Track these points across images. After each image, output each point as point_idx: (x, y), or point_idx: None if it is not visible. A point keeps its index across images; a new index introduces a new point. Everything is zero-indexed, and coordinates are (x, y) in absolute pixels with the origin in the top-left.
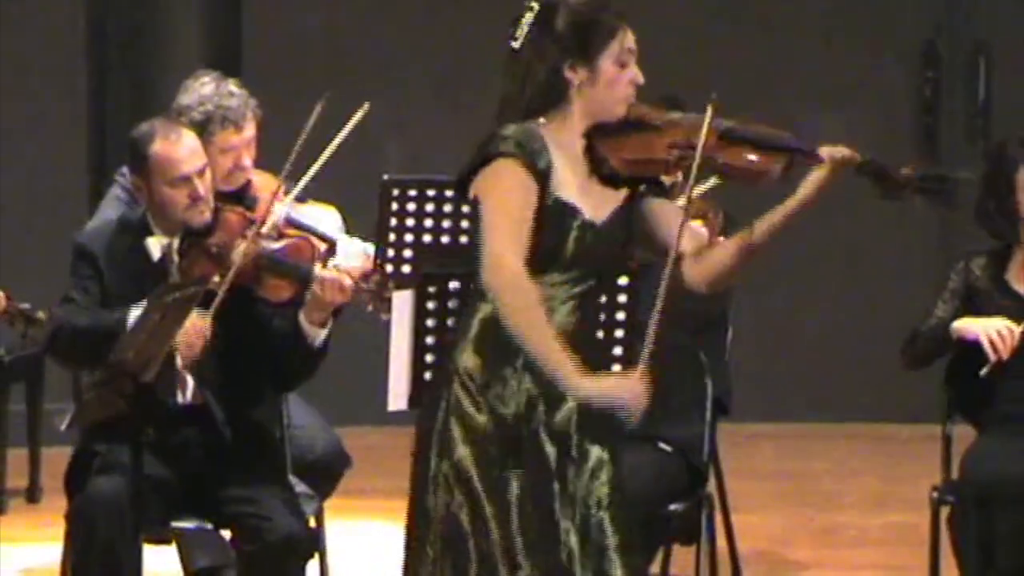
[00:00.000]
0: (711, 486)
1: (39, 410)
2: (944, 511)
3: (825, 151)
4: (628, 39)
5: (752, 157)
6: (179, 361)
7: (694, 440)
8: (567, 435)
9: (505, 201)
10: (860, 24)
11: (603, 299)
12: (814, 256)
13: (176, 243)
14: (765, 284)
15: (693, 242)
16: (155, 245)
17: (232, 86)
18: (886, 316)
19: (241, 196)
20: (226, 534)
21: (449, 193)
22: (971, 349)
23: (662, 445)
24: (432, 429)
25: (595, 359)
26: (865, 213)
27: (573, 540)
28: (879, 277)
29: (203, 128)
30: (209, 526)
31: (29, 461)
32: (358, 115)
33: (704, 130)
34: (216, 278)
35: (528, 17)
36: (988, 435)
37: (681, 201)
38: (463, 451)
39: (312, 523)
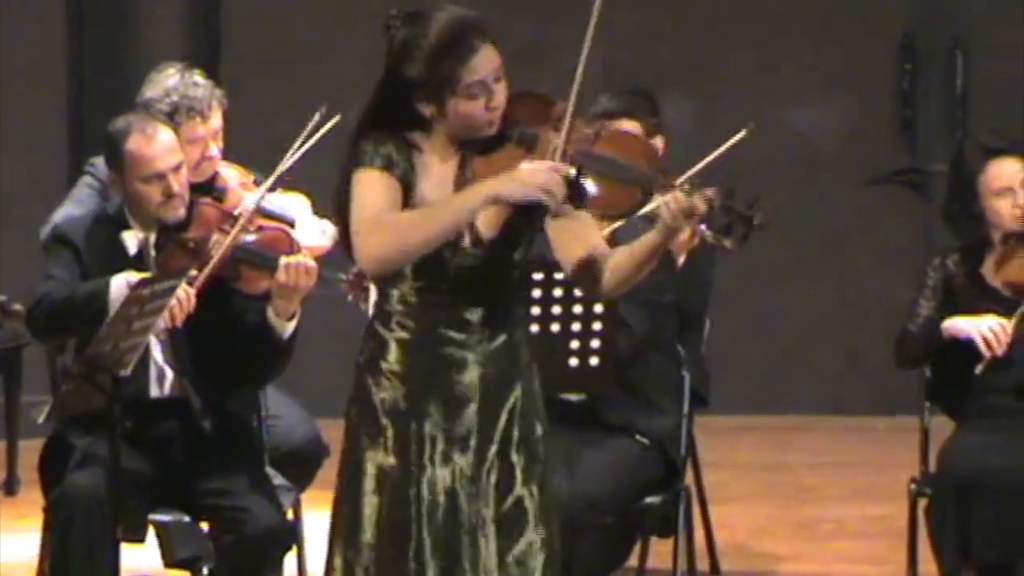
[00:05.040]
0: (689, 478)
1: (17, 402)
2: (922, 503)
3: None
4: (481, 69)
5: (603, 192)
6: (156, 352)
7: (671, 432)
8: (474, 441)
9: (367, 192)
10: (839, 17)
11: (558, 293)
12: (795, 249)
13: (152, 237)
14: (744, 276)
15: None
16: (131, 239)
17: (197, 76)
18: (866, 309)
19: (209, 187)
20: (204, 526)
21: None
22: (959, 350)
23: (639, 438)
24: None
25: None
26: (846, 206)
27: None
28: (859, 270)
29: (169, 119)
30: (187, 518)
31: (7, 453)
32: (330, 123)
33: (563, 140)
34: (193, 272)
35: (392, 38)
36: (966, 427)
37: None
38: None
39: (290, 515)
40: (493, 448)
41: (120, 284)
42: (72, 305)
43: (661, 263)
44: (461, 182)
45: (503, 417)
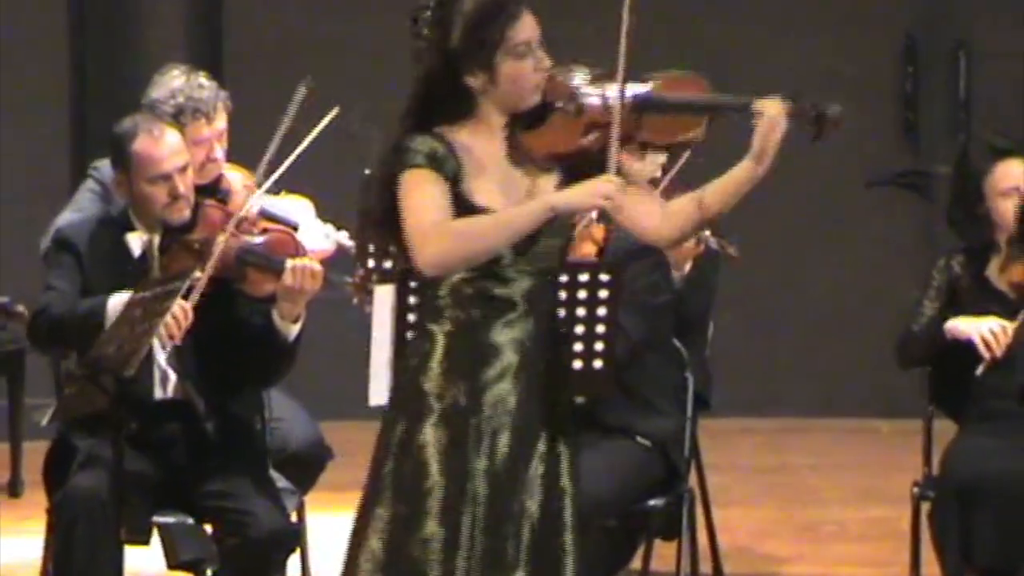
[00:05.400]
0: (692, 481)
1: (20, 405)
2: (925, 506)
3: (757, 105)
4: (524, 31)
5: (671, 126)
6: (159, 354)
7: (671, 434)
8: (523, 435)
9: (420, 196)
10: (841, 19)
11: (562, 295)
12: (797, 250)
13: (157, 239)
14: (746, 278)
15: (646, 205)
16: (136, 241)
17: (202, 78)
18: (869, 311)
19: (213, 189)
20: (208, 528)
21: None
22: (960, 352)
23: (639, 439)
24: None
25: (553, 357)
26: (849, 208)
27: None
28: (862, 272)
29: (174, 121)
30: (190, 520)
31: (11, 455)
32: (328, 117)
33: (615, 112)
34: (197, 273)
35: (423, 28)
36: (969, 431)
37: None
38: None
39: (293, 518)
40: (542, 438)
41: (116, 303)
42: (70, 321)
43: (655, 264)
44: (515, 160)
45: (550, 408)
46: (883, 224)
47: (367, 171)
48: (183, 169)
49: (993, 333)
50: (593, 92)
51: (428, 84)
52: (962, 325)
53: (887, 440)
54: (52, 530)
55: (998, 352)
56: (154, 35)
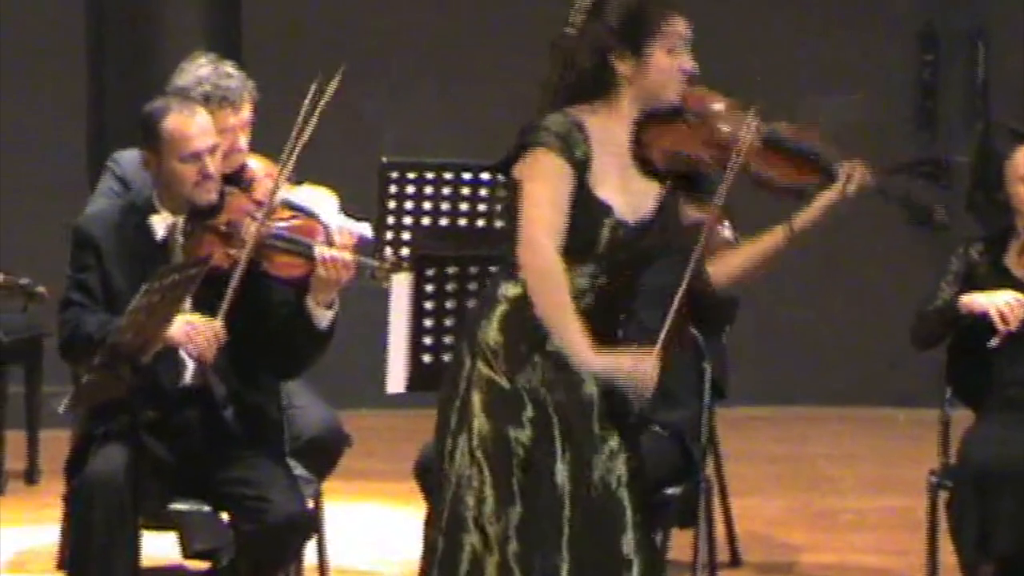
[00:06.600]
0: (709, 469)
1: (37, 392)
2: (942, 495)
3: (843, 173)
4: (680, 26)
5: (786, 170)
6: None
7: (689, 423)
8: (581, 420)
9: (544, 189)
10: (858, 8)
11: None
12: (814, 239)
13: (181, 222)
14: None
15: (717, 239)
16: (160, 223)
17: (229, 67)
18: (885, 300)
19: (237, 179)
20: (224, 516)
21: (448, 176)
22: (974, 326)
23: (657, 429)
24: (451, 405)
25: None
26: (862, 196)
27: (572, 512)
28: (878, 260)
29: None
30: (207, 508)
31: (27, 443)
32: (334, 81)
33: (744, 137)
34: (218, 255)
35: (580, 4)
36: (986, 419)
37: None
38: (480, 421)
39: (310, 505)
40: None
41: None
42: (102, 337)
43: (679, 261)
44: (636, 154)
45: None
46: (898, 214)
47: (384, 160)
48: (213, 149)
49: (1009, 305)
50: (726, 116)
51: (575, 61)
52: (977, 298)
53: (904, 429)
54: (69, 517)
55: (1013, 325)
56: (173, 28)
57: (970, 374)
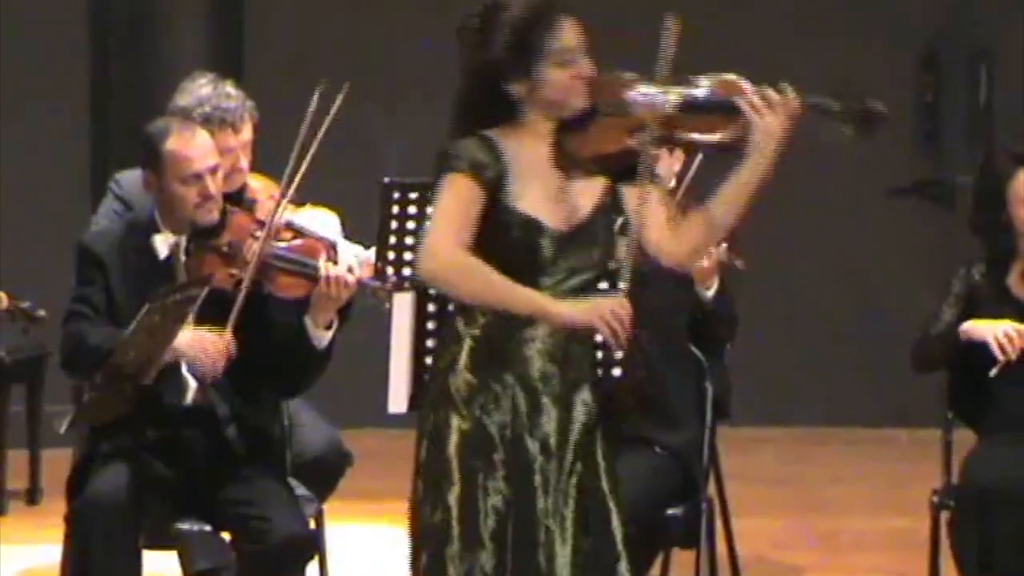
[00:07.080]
0: (711, 490)
1: (39, 412)
2: (944, 516)
3: (756, 103)
4: (567, 37)
5: (706, 127)
6: (185, 367)
7: (690, 444)
8: (553, 440)
9: (449, 203)
10: (862, 29)
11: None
12: (815, 260)
13: (183, 241)
14: (764, 288)
15: (663, 215)
16: (162, 243)
17: (229, 88)
18: (887, 320)
19: (238, 199)
20: (226, 536)
21: None
22: (974, 354)
23: (659, 449)
24: (422, 440)
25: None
26: (868, 218)
27: (555, 540)
28: (881, 281)
29: None
30: (208, 527)
31: (29, 463)
32: (337, 102)
33: (655, 109)
34: (220, 275)
35: (467, 37)
36: (988, 440)
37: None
38: (451, 451)
39: (312, 525)
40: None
41: None
42: (109, 349)
43: (678, 281)
44: (562, 165)
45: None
46: (903, 233)
47: (385, 179)
48: (214, 170)
49: (1008, 336)
50: (639, 94)
51: (473, 92)
52: (977, 327)
53: (906, 450)
54: (70, 537)
55: (1012, 355)
56: (176, 46)
57: (972, 395)
